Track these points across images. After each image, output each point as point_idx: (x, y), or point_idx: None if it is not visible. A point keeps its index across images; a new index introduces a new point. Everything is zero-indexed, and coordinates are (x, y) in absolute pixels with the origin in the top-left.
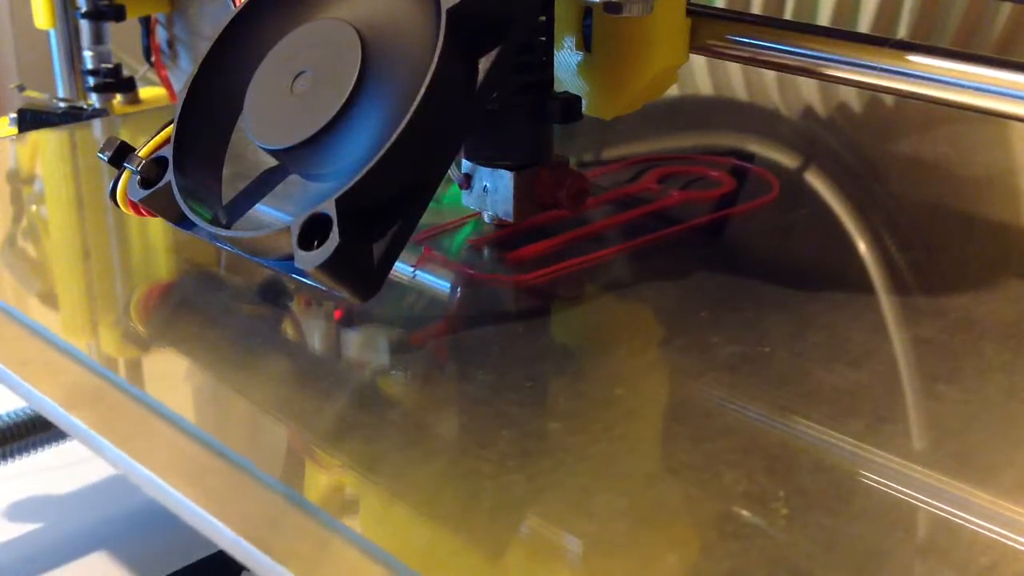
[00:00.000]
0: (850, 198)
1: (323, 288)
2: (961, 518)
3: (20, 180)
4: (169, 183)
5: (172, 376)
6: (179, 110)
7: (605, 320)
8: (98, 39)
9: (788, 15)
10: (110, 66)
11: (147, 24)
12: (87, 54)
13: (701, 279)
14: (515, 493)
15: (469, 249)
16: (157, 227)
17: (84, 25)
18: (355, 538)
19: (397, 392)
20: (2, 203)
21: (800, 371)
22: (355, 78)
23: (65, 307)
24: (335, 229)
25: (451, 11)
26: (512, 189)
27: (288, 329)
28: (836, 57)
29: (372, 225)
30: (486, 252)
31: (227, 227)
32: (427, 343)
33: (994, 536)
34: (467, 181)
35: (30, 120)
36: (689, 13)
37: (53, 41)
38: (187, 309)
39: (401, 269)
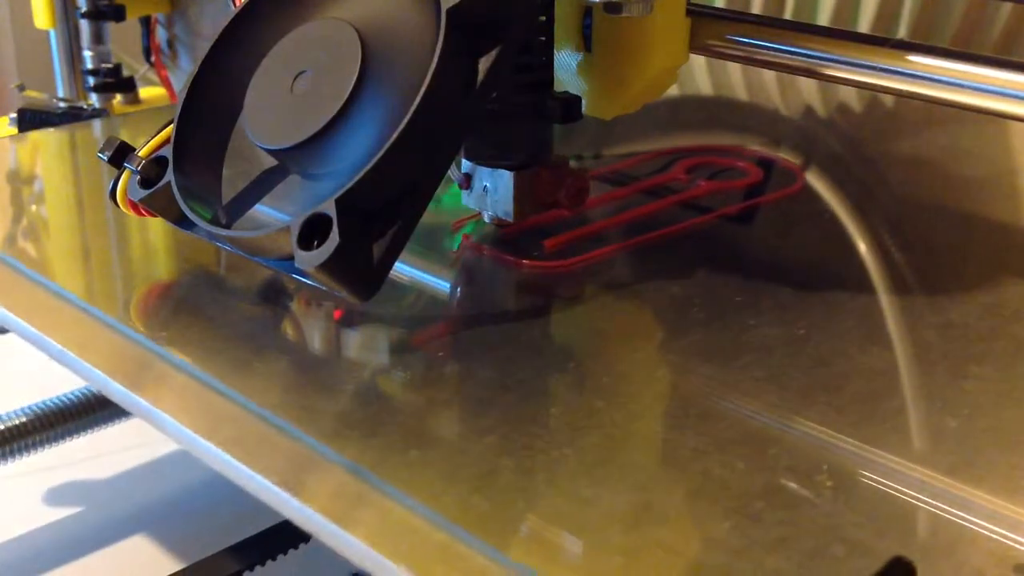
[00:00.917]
0: (850, 198)
1: (323, 288)
2: (989, 500)
3: (20, 180)
4: (169, 183)
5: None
6: (179, 110)
7: (640, 306)
8: (98, 39)
9: (788, 15)
10: (110, 66)
11: (147, 24)
12: (87, 54)
13: (732, 266)
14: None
15: (498, 235)
16: (157, 227)
17: (84, 25)
18: (415, 506)
19: (399, 391)
20: (2, 203)
21: (837, 353)
22: (355, 78)
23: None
24: (335, 229)
25: (451, 11)
26: (512, 189)
27: (288, 329)
28: (836, 57)
29: (372, 225)
30: (516, 240)
31: (227, 227)
32: (432, 342)
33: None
34: (467, 181)
35: (30, 120)
36: (689, 13)
37: (53, 41)
38: (187, 309)
39: (401, 269)
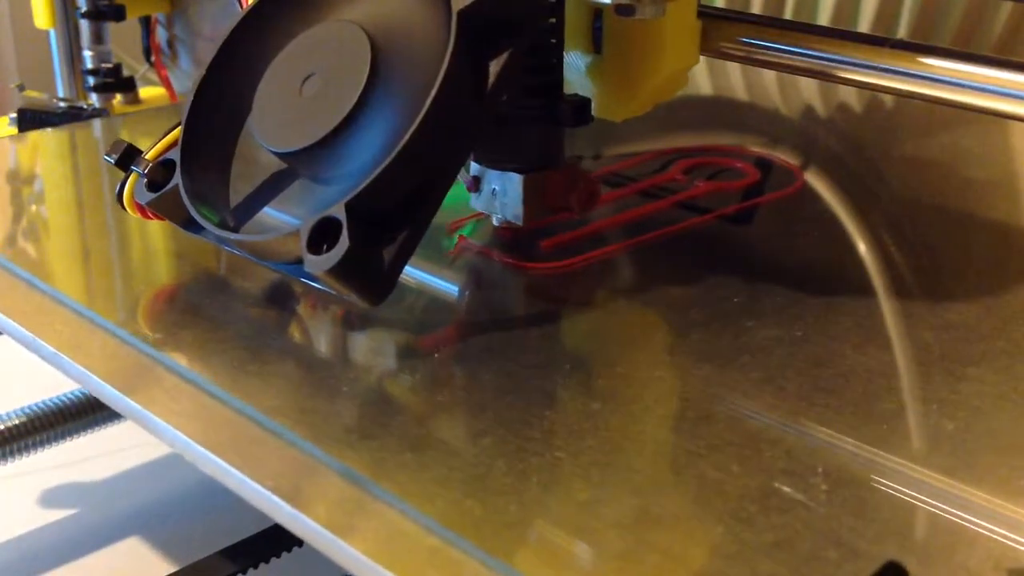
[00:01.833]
0: (850, 198)
1: (333, 292)
2: (987, 501)
3: (20, 180)
4: (177, 186)
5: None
6: (186, 112)
7: (637, 307)
8: (98, 39)
9: (788, 15)
10: (110, 66)
11: (147, 24)
12: (87, 54)
13: (730, 267)
14: (585, 458)
15: (497, 236)
16: (158, 228)
17: (84, 25)
18: (407, 511)
19: (396, 394)
20: (2, 203)
21: (831, 356)
22: (365, 80)
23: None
24: (345, 233)
25: (462, 13)
26: (522, 192)
27: (285, 331)
28: (849, 60)
29: (382, 229)
30: (514, 241)
31: (235, 230)
32: (427, 346)
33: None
34: (476, 184)
35: (30, 120)
36: (700, 15)
37: (53, 41)
38: (192, 311)
39: (410, 272)
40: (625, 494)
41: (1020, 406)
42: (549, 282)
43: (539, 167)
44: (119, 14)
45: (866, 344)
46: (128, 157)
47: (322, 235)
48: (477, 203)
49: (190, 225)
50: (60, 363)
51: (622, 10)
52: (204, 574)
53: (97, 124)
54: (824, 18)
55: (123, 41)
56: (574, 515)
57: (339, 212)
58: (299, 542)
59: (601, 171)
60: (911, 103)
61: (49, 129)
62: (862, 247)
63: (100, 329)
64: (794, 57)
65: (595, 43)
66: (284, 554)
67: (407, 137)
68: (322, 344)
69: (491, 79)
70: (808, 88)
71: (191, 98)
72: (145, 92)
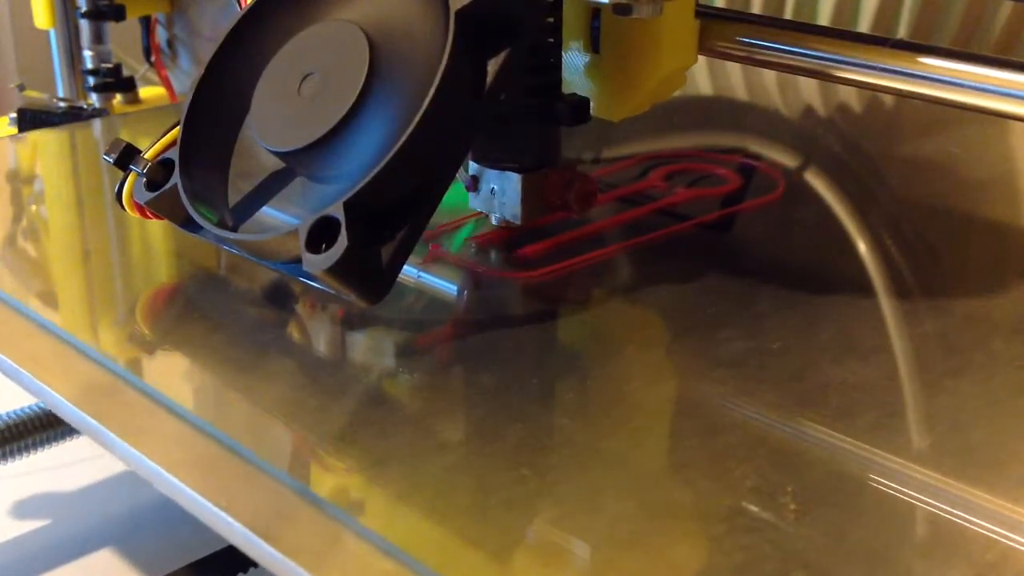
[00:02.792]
0: (851, 198)
1: (331, 291)
2: (963, 517)
3: (20, 180)
4: (176, 185)
5: (180, 373)
6: (185, 112)
7: (613, 317)
8: (98, 39)
9: (788, 15)
10: (110, 66)
11: (147, 24)
12: (87, 54)
13: (708, 276)
14: (528, 488)
15: (474, 247)
16: (157, 228)
17: (84, 25)
18: (364, 532)
19: (404, 393)
20: (2, 203)
21: (810, 366)
22: (363, 80)
23: (66, 306)
24: (343, 232)
25: (460, 12)
26: (520, 191)
27: (294, 332)
28: (849, 60)
29: (381, 228)
30: (491, 250)
31: (233, 230)
32: (434, 345)
33: (996, 535)
34: (474, 183)
35: (30, 120)
36: (698, 14)
37: (53, 41)
38: (192, 311)
39: (408, 271)
40: (589, 511)
41: (995, 422)
42: (522, 292)
43: (537, 166)
44: (119, 14)
45: (845, 356)
46: (127, 156)
47: (320, 234)
48: (475, 203)
49: (189, 224)
50: (17, 376)
51: (620, 9)
52: None
53: (97, 124)
54: (824, 18)
55: (123, 41)
56: (539, 535)
57: (337, 211)
58: None
59: None
60: (911, 103)
61: (49, 129)
62: (847, 253)
63: (62, 342)
64: (794, 57)
65: (593, 43)
66: (251, 569)
67: (405, 136)
68: (310, 346)
69: (489, 78)
70: (808, 88)
71: (190, 98)
72: (145, 92)
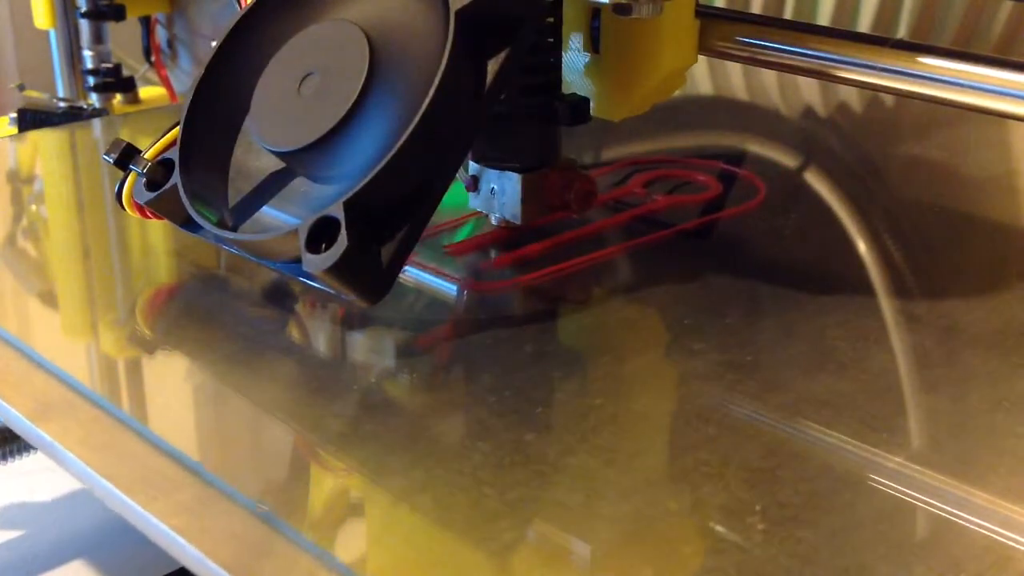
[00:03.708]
0: (849, 198)
1: (331, 291)
2: (948, 527)
3: (20, 180)
4: (176, 185)
5: (141, 388)
6: (185, 112)
7: (587, 327)
8: (98, 39)
9: (788, 15)
10: (110, 66)
11: (147, 24)
12: (87, 54)
13: (685, 285)
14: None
15: (445, 253)
16: (157, 227)
17: (84, 25)
18: (321, 554)
19: (404, 393)
20: (2, 203)
21: (782, 380)
22: (363, 80)
23: (65, 307)
24: (343, 232)
25: (460, 12)
26: (520, 191)
27: (294, 332)
28: (849, 60)
29: (380, 228)
30: (467, 257)
31: (233, 230)
32: (434, 346)
33: (972, 553)
34: (474, 183)
35: (30, 120)
36: (698, 14)
37: (53, 41)
38: (192, 311)
39: (408, 271)
40: (551, 531)
41: (968, 444)
42: (492, 302)
43: (537, 166)
44: (119, 14)
45: (817, 371)
46: (127, 156)
47: (320, 234)
48: (476, 203)
49: (189, 224)
50: None
51: (619, 9)
52: None
53: (97, 124)
54: (824, 18)
55: (123, 41)
56: (496, 557)
57: (337, 211)
58: None
59: None
60: (911, 103)
61: (49, 129)
62: (828, 262)
63: (22, 356)
64: (794, 57)
65: (593, 43)
66: None
67: (405, 136)
68: (309, 346)
69: (489, 78)
70: (808, 88)
71: (190, 97)
72: (145, 92)
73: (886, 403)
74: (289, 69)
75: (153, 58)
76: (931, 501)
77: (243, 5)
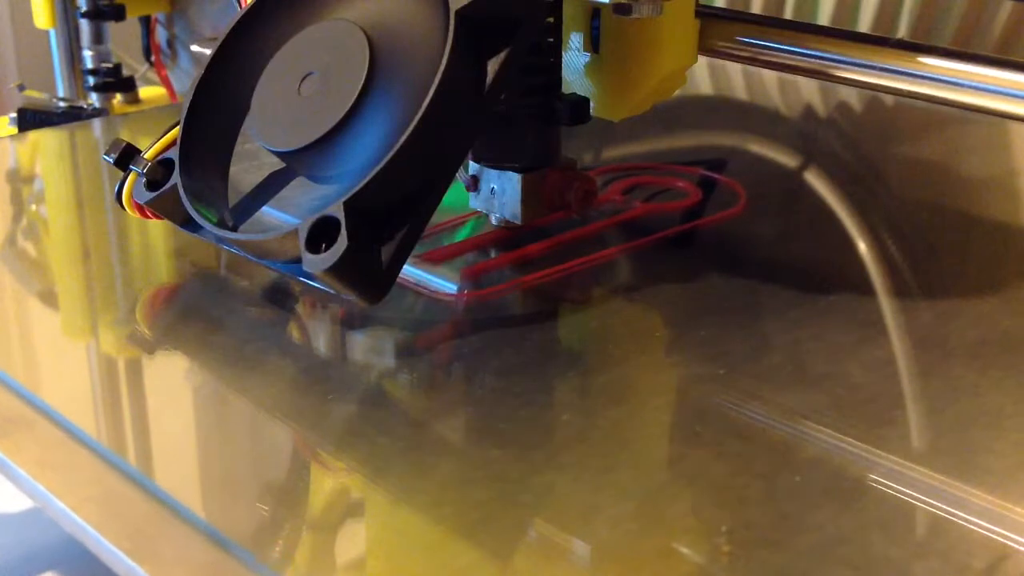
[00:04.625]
0: (848, 200)
1: (331, 291)
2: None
3: (20, 180)
4: (176, 185)
5: (97, 403)
6: (185, 112)
7: (557, 340)
8: (98, 39)
9: (788, 15)
10: (110, 66)
11: (147, 24)
12: (87, 54)
13: (662, 294)
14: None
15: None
16: (157, 228)
17: (84, 25)
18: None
19: (404, 393)
20: (2, 203)
21: (753, 396)
22: (363, 80)
23: (64, 307)
24: (343, 232)
25: (460, 12)
26: (520, 191)
27: (293, 332)
28: (849, 60)
29: (381, 228)
30: (441, 265)
31: (233, 230)
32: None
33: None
34: (474, 183)
35: (30, 120)
36: (698, 14)
37: (53, 41)
38: (191, 311)
39: (408, 271)
40: (509, 554)
41: (946, 457)
42: (463, 312)
43: (537, 166)
44: (119, 14)
45: (791, 384)
46: (127, 156)
47: (320, 234)
48: (476, 203)
49: (189, 224)
50: None
51: (619, 9)
52: None
53: (97, 124)
54: (824, 18)
55: (123, 41)
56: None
57: (337, 211)
58: None
59: None
60: (911, 103)
61: (49, 129)
62: (806, 273)
63: None
64: (794, 57)
65: (593, 43)
66: None
67: (405, 136)
68: (309, 346)
69: (489, 78)
70: (808, 88)
71: (189, 97)
72: (145, 92)
73: (860, 420)
74: (289, 69)
75: (153, 58)
76: (923, 506)
77: (243, 5)
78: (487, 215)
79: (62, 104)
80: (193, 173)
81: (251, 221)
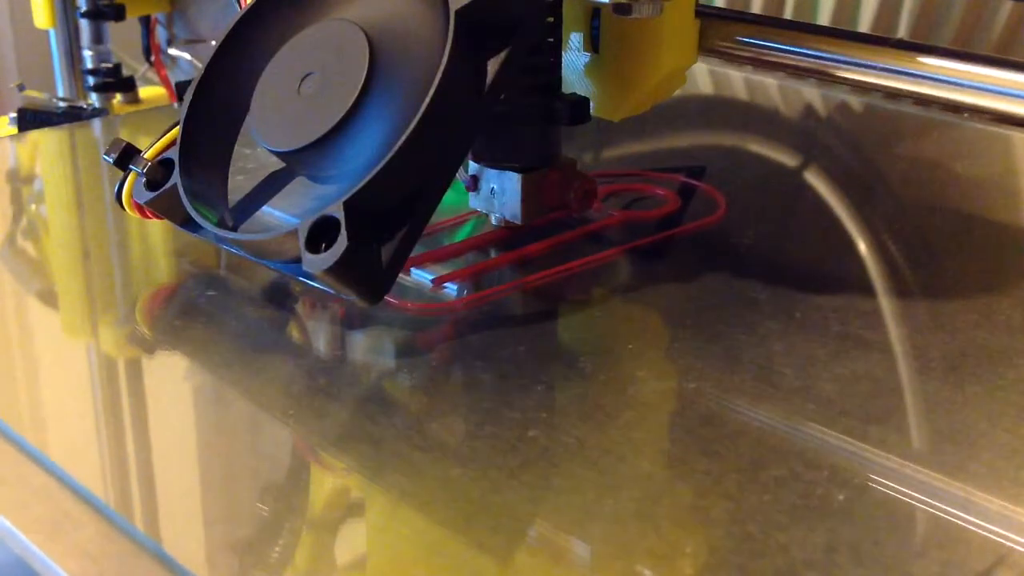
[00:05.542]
0: (850, 198)
1: (331, 291)
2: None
3: (20, 180)
4: (176, 185)
5: (54, 417)
6: (185, 112)
7: (526, 351)
8: (98, 39)
9: (788, 15)
10: (110, 66)
11: (147, 24)
12: (87, 54)
13: (637, 305)
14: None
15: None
16: (157, 228)
17: (84, 25)
18: None
19: (405, 393)
20: (2, 203)
21: (722, 412)
22: (363, 80)
23: (64, 307)
24: (343, 231)
25: (460, 12)
26: (520, 191)
27: (293, 332)
28: (849, 60)
29: (380, 227)
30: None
31: (233, 230)
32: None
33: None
34: (474, 183)
35: (30, 120)
36: (698, 14)
37: (53, 41)
38: (191, 312)
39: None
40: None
41: (913, 479)
42: (430, 324)
43: (537, 166)
44: (119, 14)
45: (761, 399)
46: (127, 156)
47: (320, 234)
48: (476, 202)
49: (188, 224)
50: None
51: (619, 9)
52: None
53: (97, 124)
54: (824, 18)
55: (123, 41)
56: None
57: (337, 211)
58: None
59: None
60: (910, 103)
61: (49, 129)
62: (777, 283)
63: None
64: (794, 57)
65: (593, 43)
66: None
67: (405, 136)
68: (310, 346)
69: (489, 78)
70: (808, 88)
71: (189, 97)
72: (145, 92)
73: (831, 437)
74: (289, 69)
75: (153, 58)
76: (897, 524)
77: (243, 5)
78: (487, 215)
79: (62, 104)
80: (193, 173)
81: (251, 221)
